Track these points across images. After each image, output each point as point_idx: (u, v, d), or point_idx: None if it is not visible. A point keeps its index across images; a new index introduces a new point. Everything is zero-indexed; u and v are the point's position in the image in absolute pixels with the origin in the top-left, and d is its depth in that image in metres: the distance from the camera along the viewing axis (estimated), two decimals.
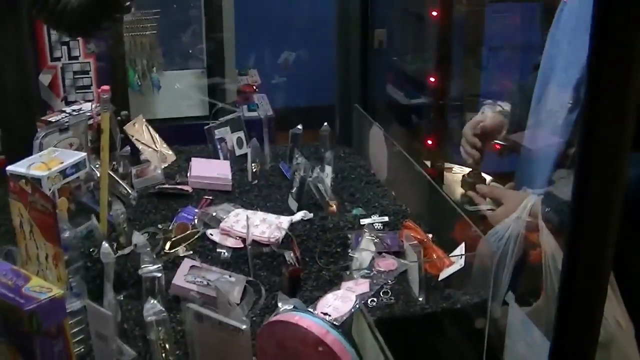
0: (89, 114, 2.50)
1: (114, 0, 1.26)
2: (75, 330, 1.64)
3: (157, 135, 2.84)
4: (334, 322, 1.53)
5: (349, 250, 2.02)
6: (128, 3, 1.26)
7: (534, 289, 1.83)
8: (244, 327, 1.39)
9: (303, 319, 1.47)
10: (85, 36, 1.96)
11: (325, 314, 1.58)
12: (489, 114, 2.34)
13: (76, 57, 3.30)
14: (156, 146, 2.79)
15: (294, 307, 1.55)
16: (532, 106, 2.17)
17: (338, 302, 1.62)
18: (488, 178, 2.37)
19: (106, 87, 2.09)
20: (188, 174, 2.61)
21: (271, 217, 2.25)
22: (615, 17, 0.92)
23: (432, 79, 2.98)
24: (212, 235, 2.17)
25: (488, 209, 2.11)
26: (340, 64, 3.07)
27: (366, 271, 1.79)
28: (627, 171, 1.03)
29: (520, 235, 1.89)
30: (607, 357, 1.75)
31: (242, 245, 2.11)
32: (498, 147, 2.30)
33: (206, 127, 2.78)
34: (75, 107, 2.64)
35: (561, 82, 2.03)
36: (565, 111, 1.99)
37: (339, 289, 1.71)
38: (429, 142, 2.90)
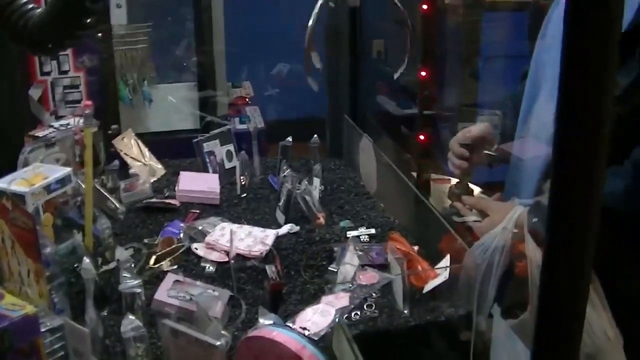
0: (74, 128, 2.49)
1: (75, 18, 1.24)
2: (55, 347, 1.62)
3: (146, 149, 2.83)
4: (313, 337, 1.52)
5: (332, 264, 2.00)
6: (90, 20, 1.25)
7: (521, 301, 1.81)
8: (217, 343, 1.38)
9: (280, 334, 1.46)
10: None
11: (304, 328, 1.56)
12: (477, 124, 2.33)
13: (66, 72, 3.29)
14: (145, 160, 2.78)
15: (272, 322, 1.54)
16: (521, 116, 2.15)
17: (317, 317, 1.61)
18: (476, 189, 2.35)
19: (89, 102, 2.08)
20: (176, 188, 2.60)
21: (257, 231, 2.24)
22: (586, 26, 0.91)
23: (423, 89, 2.96)
24: (197, 249, 2.16)
25: (474, 220, 2.10)
26: (329, 76, 3.07)
27: (349, 285, 1.78)
28: (603, 179, 1.02)
29: (507, 247, 1.87)
30: None
31: (227, 259, 2.10)
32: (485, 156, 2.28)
33: (195, 140, 2.76)
34: (63, 121, 2.64)
35: (551, 92, 2.02)
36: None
37: (319, 303, 1.69)
38: (420, 153, 2.88)
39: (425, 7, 2.41)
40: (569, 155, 0.99)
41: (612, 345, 1.75)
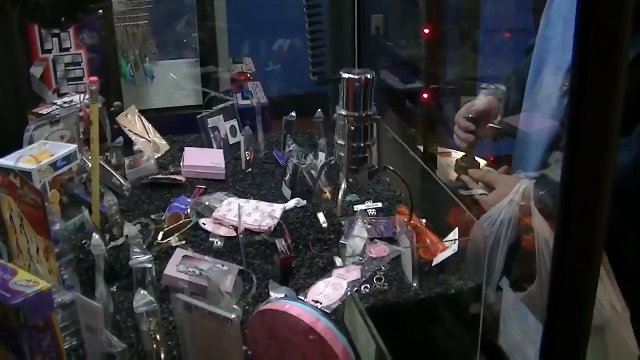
0: (78, 105, 2.49)
1: None
2: (67, 322, 1.63)
3: (150, 126, 2.83)
4: (325, 310, 1.52)
5: (342, 238, 2.00)
6: None
7: (529, 273, 1.82)
8: (232, 316, 1.38)
9: (293, 308, 1.46)
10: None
11: (316, 301, 1.57)
12: (482, 97, 2.33)
13: (67, 49, 3.26)
14: (149, 136, 2.78)
15: (284, 295, 1.54)
16: (527, 89, 2.16)
17: (329, 290, 1.62)
18: (482, 162, 2.36)
19: (94, 78, 2.07)
20: (181, 164, 2.60)
21: (264, 205, 2.24)
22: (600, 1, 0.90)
23: (426, 63, 2.96)
24: (204, 224, 2.16)
25: (481, 194, 2.10)
26: (333, 50, 3.06)
27: (358, 258, 1.78)
28: (616, 152, 1.02)
29: (513, 219, 1.88)
30: (602, 341, 1.74)
31: (234, 234, 2.10)
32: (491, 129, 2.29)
33: (198, 116, 2.76)
34: (66, 99, 2.63)
35: (556, 65, 2.02)
36: (560, 94, 1.98)
37: (330, 276, 1.70)
38: (424, 126, 2.88)
39: None
40: (582, 127, 0.99)
41: (620, 317, 1.76)
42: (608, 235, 1.03)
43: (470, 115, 2.30)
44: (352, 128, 1.63)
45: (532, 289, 1.79)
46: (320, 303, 1.57)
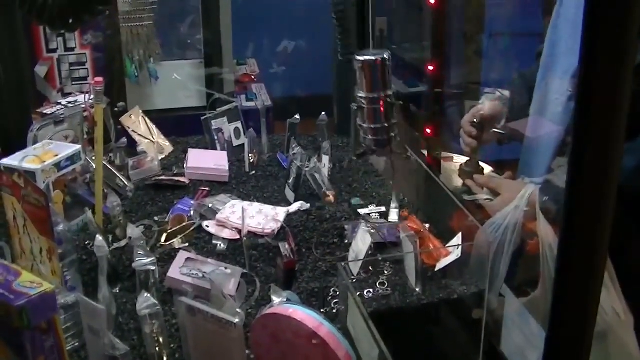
0: (83, 106, 2.49)
1: None
2: (69, 324, 1.63)
3: (154, 127, 2.83)
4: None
5: (346, 242, 2.00)
6: None
7: (532, 279, 1.82)
8: (236, 320, 1.38)
9: (297, 312, 1.46)
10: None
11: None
12: (487, 102, 2.32)
13: (72, 49, 3.27)
14: (153, 137, 2.78)
15: (287, 299, 1.54)
16: (535, 94, 2.15)
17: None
18: (487, 168, 2.35)
19: (99, 79, 2.07)
20: (185, 165, 2.59)
21: (267, 208, 2.24)
22: (607, 7, 0.90)
23: (430, 67, 2.94)
24: (208, 226, 2.16)
25: (486, 199, 2.10)
26: (336, 53, 3.04)
27: None
28: (620, 159, 1.02)
29: (518, 225, 1.88)
30: (605, 348, 1.74)
31: (238, 237, 2.10)
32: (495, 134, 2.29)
33: (203, 117, 2.76)
34: (71, 99, 2.63)
35: (562, 70, 2.02)
36: (565, 99, 1.98)
37: None
38: (428, 131, 2.87)
39: None
40: (587, 132, 0.99)
41: (622, 323, 1.76)
42: (612, 240, 1.03)
43: (475, 120, 2.30)
44: (373, 108, 1.58)
45: (536, 294, 1.78)
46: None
